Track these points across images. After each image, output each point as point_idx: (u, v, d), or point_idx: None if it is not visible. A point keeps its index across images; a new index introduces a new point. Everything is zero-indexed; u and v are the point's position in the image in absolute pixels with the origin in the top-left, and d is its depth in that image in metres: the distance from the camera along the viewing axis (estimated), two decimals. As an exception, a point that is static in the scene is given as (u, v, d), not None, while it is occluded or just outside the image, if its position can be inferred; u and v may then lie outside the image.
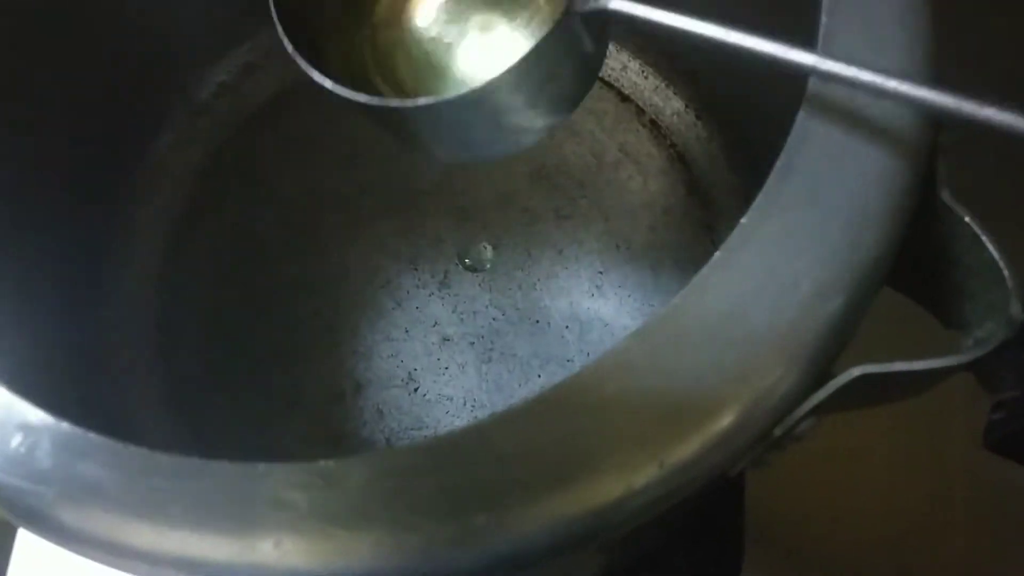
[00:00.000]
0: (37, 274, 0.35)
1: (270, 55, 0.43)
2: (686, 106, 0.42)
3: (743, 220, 0.21)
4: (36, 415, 0.21)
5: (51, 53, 0.36)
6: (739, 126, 0.40)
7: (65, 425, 0.21)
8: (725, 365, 0.21)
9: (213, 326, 0.40)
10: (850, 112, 0.22)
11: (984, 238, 0.22)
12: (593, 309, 0.40)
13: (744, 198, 0.40)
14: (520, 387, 0.39)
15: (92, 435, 0.21)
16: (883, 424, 0.39)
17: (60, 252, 0.37)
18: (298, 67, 0.26)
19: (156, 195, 0.41)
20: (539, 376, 0.39)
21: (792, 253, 0.21)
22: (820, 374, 0.21)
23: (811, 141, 0.22)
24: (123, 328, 0.39)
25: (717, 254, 0.21)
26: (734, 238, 0.21)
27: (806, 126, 0.22)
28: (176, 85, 0.41)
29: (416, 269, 0.40)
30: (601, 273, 0.40)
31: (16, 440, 0.21)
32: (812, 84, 0.23)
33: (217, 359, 0.39)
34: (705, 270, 0.21)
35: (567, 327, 0.39)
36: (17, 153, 0.35)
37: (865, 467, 0.40)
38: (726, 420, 0.20)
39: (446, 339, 0.39)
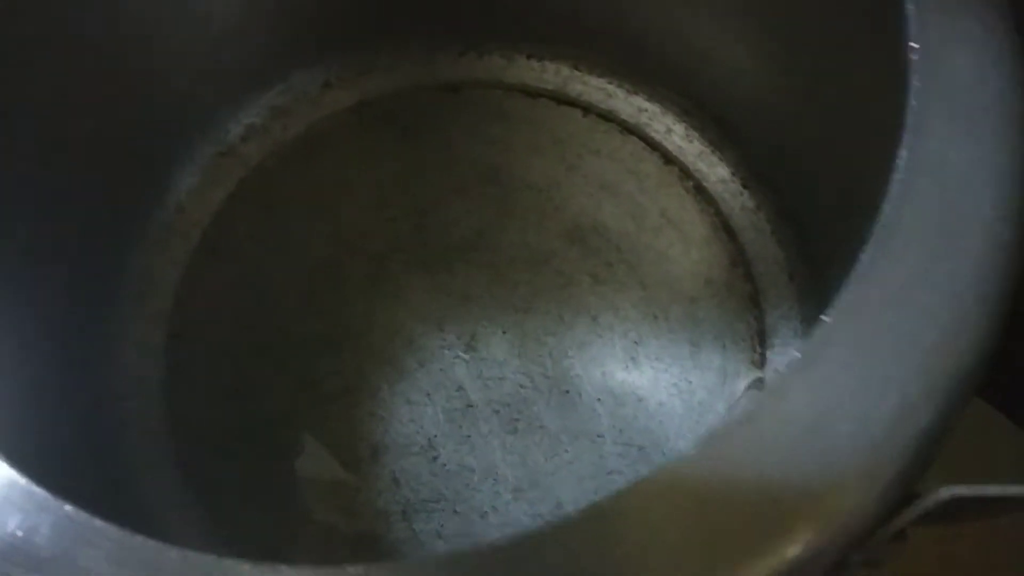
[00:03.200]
0: (39, 322, 0.33)
1: (300, 99, 0.41)
2: (732, 174, 0.40)
3: (825, 317, 0.20)
4: (37, 494, 0.19)
5: (74, 86, 0.34)
6: (788, 199, 0.38)
7: (68, 508, 0.19)
8: (801, 483, 0.19)
9: (225, 380, 0.38)
10: (943, 207, 0.20)
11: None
12: (627, 382, 0.38)
13: (790, 274, 0.38)
14: (546, 462, 0.36)
15: (97, 521, 0.19)
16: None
17: (65, 299, 0.35)
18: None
19: (172, 238, 0.39)
20: (567, 451, 0.36)
21: (880, 359, 0.19)
22: (905, 493, 0.19)
23: (900, 236, 0.20)
24: (129, 379, 0.37)
25: (796, 356, 0.19)
26: (816, 338, 0.19)
27: (894, 220, 0.20)
28: (204, 126, 0.39)
29: (442, 329, 0.38)
30: (637, 344, 0.38)
31: (13, 522, 0.19)
32: (898, 173, 0.21)
33: (228, 415, 0.37)
34: (784, 372, 0.19)
35: (599, 400, 0.37)
36: (32, 190, 0.34)
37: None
38: (799, 545, 0.18)
39: (470, 406, 0.37)
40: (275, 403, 0.37)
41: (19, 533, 0.19)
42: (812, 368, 0.19)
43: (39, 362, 0.33)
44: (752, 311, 0.38)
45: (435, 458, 0.36)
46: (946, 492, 0.19)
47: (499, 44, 0.42)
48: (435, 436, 0.37)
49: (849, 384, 0.19)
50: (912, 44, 0.22)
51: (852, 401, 0.19)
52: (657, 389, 0.37)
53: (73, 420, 0.34)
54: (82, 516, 0.19)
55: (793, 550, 0.18)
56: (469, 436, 0.37)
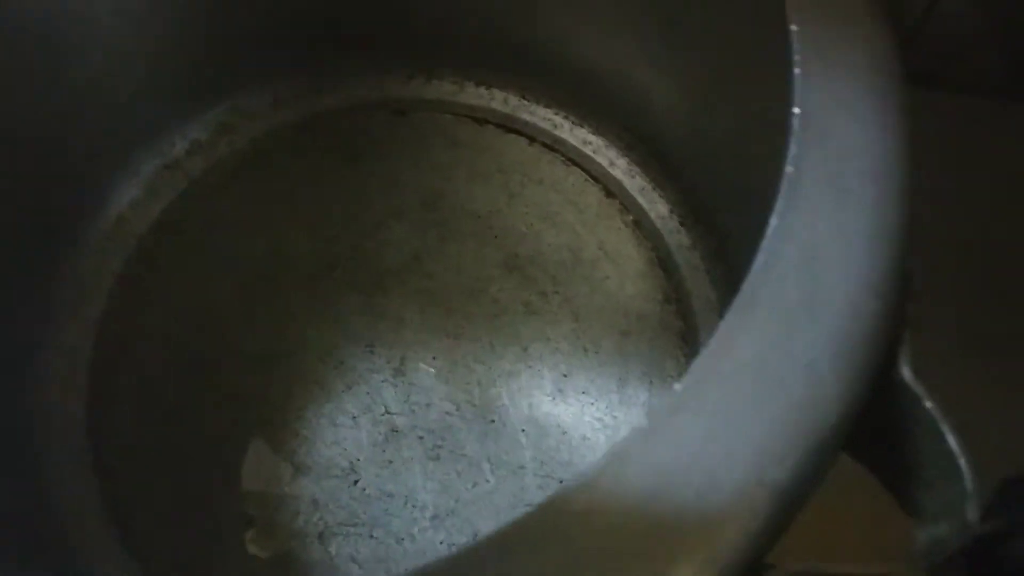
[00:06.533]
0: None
1: (247, 116, 0.41)
2: (671, 211, 0.40)
3: (676, 386, 0.19)
4: None
5: (11, 89, 0.35)
6: (723, 239, 0.38)
7: None
8: (637, 555, 0.18)
9: (154, 392, 0.38)
10: (805, 277, 0.20)
11: (944, 426, 0.20)
12: (553, 414, 0.38)
13: (720, 313, 0.38)
14: (467, 491, 0.36)
15: None
16: None
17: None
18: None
19: (109, 247, 0.39)
20: (488, 481, 0.36)
21: (731, 422, 0.19)
22: (752, 566, 0.19)
23: (760, 307, 0.20)
24: (54, 383, 0.37)
25: (645, 421, 0.19)
26: (663, 407, 0.19)
27: (755, 290, 0.20)
28: (149, 139, 0.40)
29: (372, 352, 0.39)
30: (565, 376, 0.38)
31: None
32: (766, 242, 0.21)
33: (150, 430, 0.37)
34: (630, 435, 0.19)
35: (523, 430, 0.37)
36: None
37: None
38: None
39: (394, 430, 0.37)
40: (202, 416, 0.38)
41: None
42: (659, 432, 0.19)
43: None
44: (682, 348, 0.38)
45: (356, 482, 0.37)
46: (799, 566, 0.19)
47: (449, 70, 0.42)
48: (358, 460, 0.37)
49: (690, 452, 0.19)
50: (795, 109, 0.22)
51: (698, 466, 0.19)
52: (581, 423, 0.37)
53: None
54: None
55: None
56: (391, 461, 0.37)
